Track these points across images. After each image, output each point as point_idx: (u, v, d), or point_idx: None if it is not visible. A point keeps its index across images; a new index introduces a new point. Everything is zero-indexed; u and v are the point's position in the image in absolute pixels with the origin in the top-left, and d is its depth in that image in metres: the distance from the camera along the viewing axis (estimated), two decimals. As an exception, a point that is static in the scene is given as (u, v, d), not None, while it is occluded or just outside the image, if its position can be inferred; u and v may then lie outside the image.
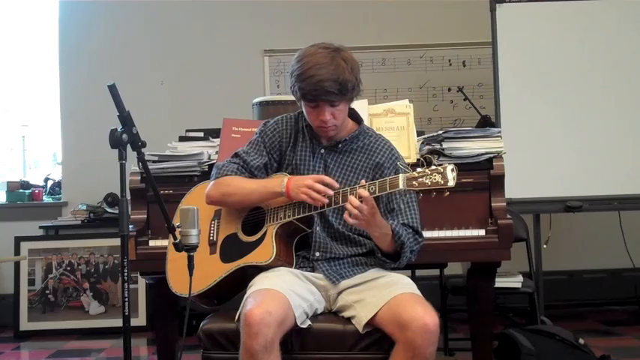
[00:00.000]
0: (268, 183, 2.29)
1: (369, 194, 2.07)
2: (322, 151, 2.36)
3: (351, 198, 2.08)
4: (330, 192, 2.16)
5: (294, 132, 2.40)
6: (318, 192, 2.16)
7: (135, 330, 3.09)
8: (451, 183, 1.98)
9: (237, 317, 2.11)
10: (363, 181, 2.14)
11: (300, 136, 2.39)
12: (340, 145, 2.36)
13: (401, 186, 2.03)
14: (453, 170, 1.99)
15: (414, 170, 2.05)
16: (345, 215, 2.10)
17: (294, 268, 2.28)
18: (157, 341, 2.91)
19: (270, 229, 2.25)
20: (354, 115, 2.41)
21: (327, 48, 2.22)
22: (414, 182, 2.01)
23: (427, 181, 1.99)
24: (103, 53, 5.17)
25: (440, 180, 1.98)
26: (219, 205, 2.39)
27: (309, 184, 2.18)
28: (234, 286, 2.32)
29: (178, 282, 2.35)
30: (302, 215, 2.23)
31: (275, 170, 2.39)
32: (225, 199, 2.34)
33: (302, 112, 2.37)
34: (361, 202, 2.06)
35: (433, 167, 2.01)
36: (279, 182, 2.24)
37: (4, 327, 4.83)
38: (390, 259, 2.25)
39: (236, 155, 2.41)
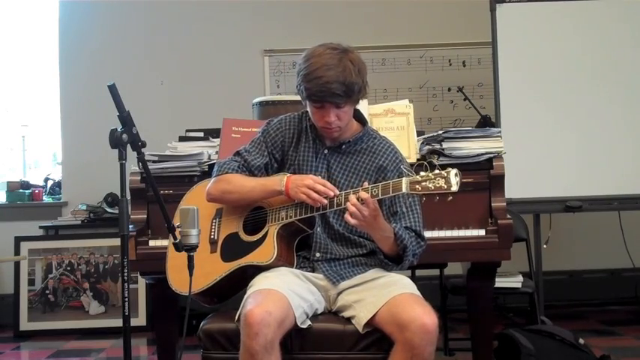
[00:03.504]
0: (268, 181, 2.29)
1: (371, 197, 2.06)
2: (325, 151, 2.35)
3: (352, 198, 2.08)
4: (331, 193, 2.16)
5: (297, 132, 2.39)
6: (318, 192, 2.16)
7: (135, 330, 3.09)
8: (454, 188, 1.97)
9: (237, 317, 2.11)
10: (365, 184, 2.13)
11: (303, 135, 2.38)
12: (344, 147, 2.35)
13: (404, 190, 2.02)
14: (456, 175, 1.98)
15: (417, 174, 2.03)
16: (346, 216, 2.09)
17: (295, 268, 2.28)
18: (157, 341, 2.91)
19: (272, 230, 2.25)
20: (358, 117, 2.39)
21: (336, 49, 2.20)
22: (417, 186, 2.00)
23: (430, 186, 1.99)
24: (103, 53, 5.17)
25: (443, 184, 1.97)
26: (219, 202, 2.39)
27: (309, 184, 2.17)
28: (235, 285, 2.32)
29: (178, 279, 2.34)
30: (304, 216, 2.22)
31: (275, 170, 2.38)
32: (225, 196, 2.34)
33: (306, 111, 2.36)
34: (362, 203, 2.06)
35: (437, 171, 2.00)
36: (279, 181, 2.24)
37: (4, 327, 4.83)
38: (392, 261, 2.25)
39: (237, 154, 2.41)
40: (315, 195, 2.16)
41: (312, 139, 2.37)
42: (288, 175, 2.26)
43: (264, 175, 2.37)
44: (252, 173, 2.36)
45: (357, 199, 2.06)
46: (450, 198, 2.03)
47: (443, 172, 1.98)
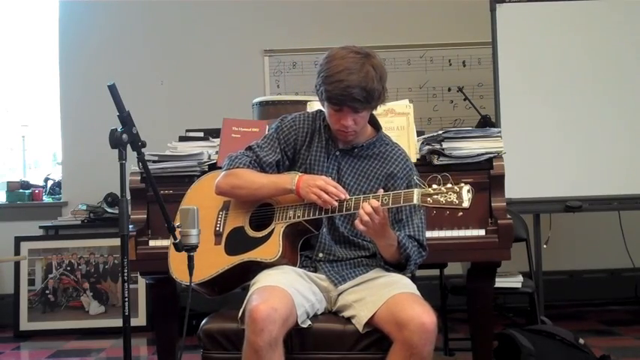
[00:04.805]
0: (279, 179, 2.29)
1: (381, 205, 2.06)
2: (337, 153, 2.34)
3: (365, 205, 2.07)
4: (342, 196, 2.16)
5: (310, 131, 2.38)
6: (329, 194, 2.15)
7: (135, 330, 3.08)
8: (466, 204, 1.96)
9: (240, 314, 2.10)
10: (381, 191, 2.13)
11: (316, 135, 2.37)
12: (356, 150, 2.34)
13: (415, 201, 2.02)
14: (469, 191, 1.97)
15: (429, 186, 2.02)
16: (357, 222, 2.09)
17: (297, 267, 2.28)
18: (157, 341, 2.91)
19: (278, 228, 2.25)
20: (373, 121, 2.38)
21: (359, 53, 2.20)
22: (428, 199, 2.00)
23: (442, 199, 1.98)
24: (103, 53, 5.18)
25: (455, 200, 1.97)
26: (228, 196, 2.39)
27: (320, 185, 2.17)
28: (236, 279, 2.33)
29: (180, 269, 2.32)
30: (312, 217, 2.22)
31: (287, 168, 2.38)
32: (234, 191, 2.34)
33: (320, 111, 2.36)
34: (374, 210, 2.05)
35: (449, 186, 1.99)
36: (290, 179, 2.24)
37: (4, 327, 4.83)
38: (392, 267, 2.25)
39: (249, 148, 2.39)
40: (325, 196, 2.15)
41: (325, 140, 2.36)
42: (300, 174, 2.26)
43: (275, 172, 2.36)
44: (264, 169, 2.35)
45: (369, 205, 2.06)
46: (460, 214, 2.01)
47: (455, 187, 1.98)
